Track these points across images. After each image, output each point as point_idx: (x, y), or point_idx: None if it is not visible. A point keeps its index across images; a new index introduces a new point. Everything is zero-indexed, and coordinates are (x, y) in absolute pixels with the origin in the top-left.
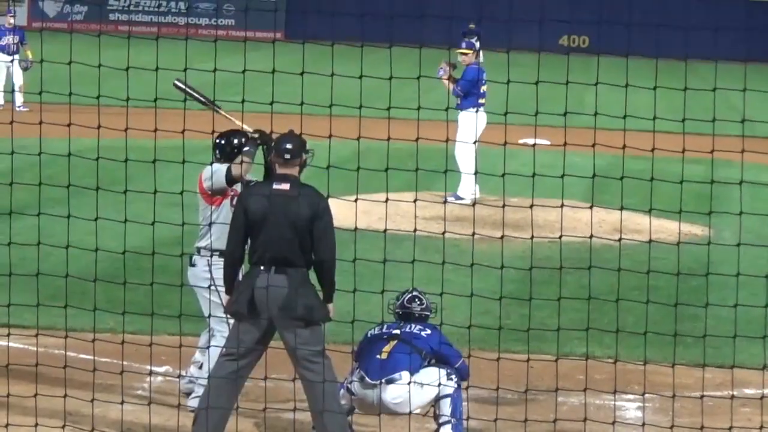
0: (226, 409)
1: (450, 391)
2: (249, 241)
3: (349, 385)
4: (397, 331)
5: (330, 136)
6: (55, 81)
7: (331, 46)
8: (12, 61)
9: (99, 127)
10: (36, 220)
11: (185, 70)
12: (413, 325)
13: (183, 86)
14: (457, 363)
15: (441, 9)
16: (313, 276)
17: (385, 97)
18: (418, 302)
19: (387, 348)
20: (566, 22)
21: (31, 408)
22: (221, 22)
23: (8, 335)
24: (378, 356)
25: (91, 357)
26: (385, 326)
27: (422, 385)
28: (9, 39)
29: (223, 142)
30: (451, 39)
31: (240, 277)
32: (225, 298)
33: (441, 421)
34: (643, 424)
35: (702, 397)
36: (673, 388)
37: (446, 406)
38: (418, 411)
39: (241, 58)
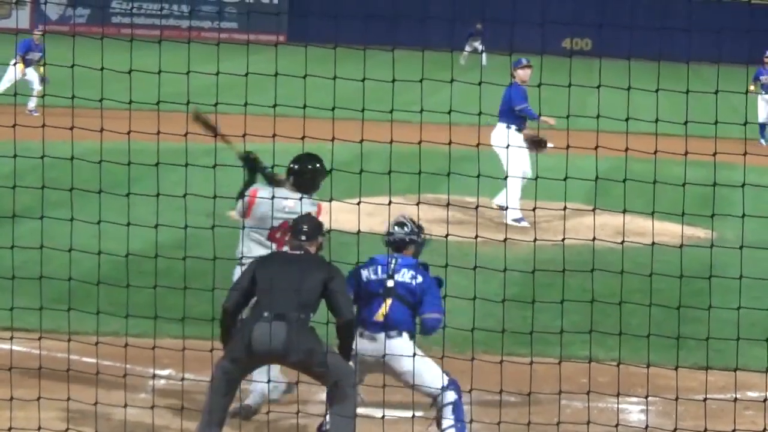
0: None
1: (452, 399)
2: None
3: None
4: (391, 283)
5: (333, 139)
6: (58, 84)
7: (333, 49)
8: (14, 64)
9: (102, 130)
10: (39, 223)
11: (188, 73)
12: (405, 271)
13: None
14: (428, 314)
15: (444, 11)
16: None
17: (387, 100)
18: (404, 228)
19: (383, 310)
20: (569, 24)
21: (34, 411)
22: (224, 25)
23: (11, 338)
24: (374, 319)
25: (94, 360)
26: (379, 269)
27: (424, 357)
28: (35, 55)
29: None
30: (453, 42)
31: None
32: None
33: (444, 426)
34: (647, 427)
35: (705, 400)
36: (677, 391)
37: (449, 412)
38: (416, 383)
39: (243, 61)
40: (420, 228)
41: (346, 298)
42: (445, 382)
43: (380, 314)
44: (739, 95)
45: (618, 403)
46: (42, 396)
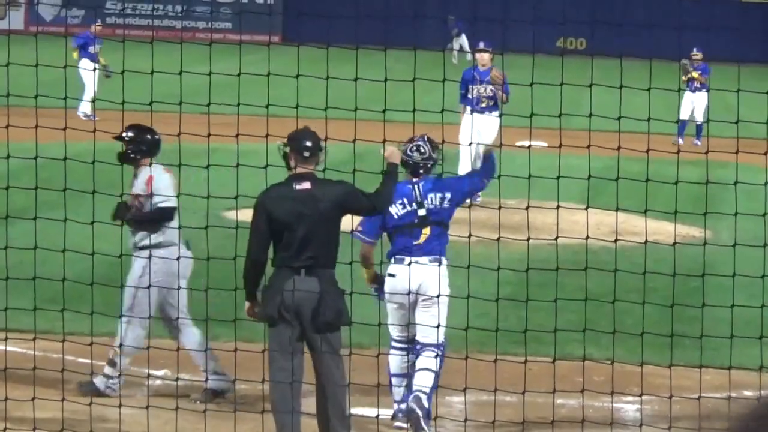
0: (297, 412)
1: (442, 341)
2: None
3: (389, 272)
4: (423, 212)
5: (326, 139)
6: (51, 85)
7: (326, 49)
8: (94, 70)
9: (95, 131)
10: (33, 224)
11: (180, 73)
12: (432, 196)
13: None
14: (473, 179)
15: (437, 11)
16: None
17: (381, 100)
18: (421, 151)
19: (423, 236)
20: (562, 23)
21: (29, 412)
22: (218, 25)
23: (6, 339)
24: (415, 242)
25: (88, 360)
26: (405, 200)
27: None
28: (97, 48)
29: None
30: (447, 41)
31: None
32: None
33: (416, 388)
34: (641, 425)
35: (699, 398)
36: (671, 390)
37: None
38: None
39: (237, 61)
40: (435, 147)
41: (366, 199)
42: (441, 339)
43: (422, 239)
44: (731, 93)
45: (612, 402)
46: (36, 397)
